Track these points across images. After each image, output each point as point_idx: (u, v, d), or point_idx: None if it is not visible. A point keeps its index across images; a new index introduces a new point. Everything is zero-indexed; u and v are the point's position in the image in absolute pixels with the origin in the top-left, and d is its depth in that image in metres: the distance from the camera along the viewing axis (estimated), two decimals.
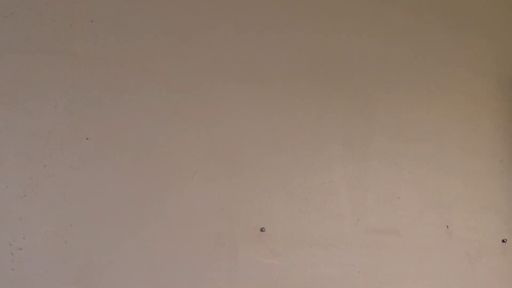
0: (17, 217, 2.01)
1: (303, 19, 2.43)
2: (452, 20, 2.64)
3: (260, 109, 2.32)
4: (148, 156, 2.18)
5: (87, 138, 2.13)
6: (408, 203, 2.45)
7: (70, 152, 2.10)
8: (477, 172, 2.55)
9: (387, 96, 2.48)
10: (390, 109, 2.47)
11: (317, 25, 2.45)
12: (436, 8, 2.62)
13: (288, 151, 2.33)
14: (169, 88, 2.23)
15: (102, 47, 2.18)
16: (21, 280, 2.00)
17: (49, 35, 2.12)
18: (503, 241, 2.54)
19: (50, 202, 2.05)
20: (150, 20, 2.25)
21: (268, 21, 2.39)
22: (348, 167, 2.39)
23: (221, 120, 2.27)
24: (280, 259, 2.27)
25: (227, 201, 2.24)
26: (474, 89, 2.60)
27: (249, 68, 2.33)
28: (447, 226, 2.49)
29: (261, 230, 2.26)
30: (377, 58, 2.50)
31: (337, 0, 2.49)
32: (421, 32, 2.58)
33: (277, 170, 2.30)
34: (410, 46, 2.55)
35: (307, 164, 2.34)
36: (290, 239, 2.29)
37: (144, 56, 2.22)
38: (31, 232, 2.03)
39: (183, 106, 2.24)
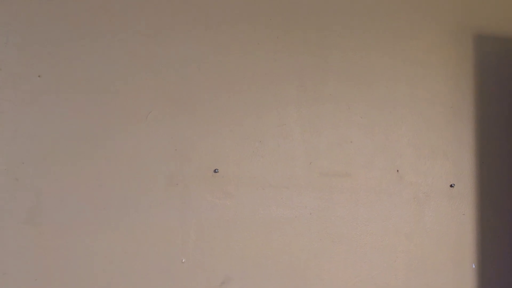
0: None
1: None
2: None
3: (214, 51, 2.31)
4: (102, 95, 2.17)
5: (39, 76, 2.11)
6: (360, 147, 2.48)
7: (22, 89, 2.09)
8: (427, 118, 2.59)
9: (341, 40, 2.49)
10: (344, 53, 2.48)
11: None
12: None
13: (243, 94, 2.33)
14: (124, 28, 2.21)
15: None
16: None
17: None
18: (451, 185, 2.60)
19: (1, 139, 2.04)
20: None
21: None
22: (302, 110, 2.41)
23: (176, 60, 2.26)
24: (232, 199, 2.30)
25: (181, 141, 2.24)
26: (428, 36, 2.62)
27: (205, 10, 2.32)
28: (398, 171, 2.53)
29: (215, 171, 2.27)
30: (331, 3, 2.50)
31: None
32: None
33: (231, 112, 2.31)
34: None
35: (261, 107, 2.35)
36: (243, 180, 2.31)
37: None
38: None
39: (138, 46, 2.22)
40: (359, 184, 2.47)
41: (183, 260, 2.22)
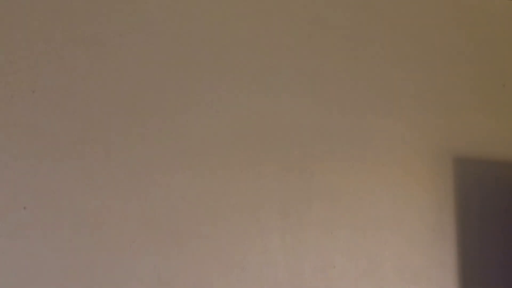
0: None
1: (238, 89, 2.50)
2: (387, 93, 2.73)
3: (196, 179, 2.35)
4: (86, 225, 2.18)
5: (24, 208, 2.14)
6: (343, 272, 2.49)
7: (7, 221, 2.10)
8: (410, 241, 2.61)
9: (322, 166, 2.54)
10: (325, 179, 2.53)
11: (252, 96, 2.52)
12: (371, 81, 2.72)
13: (227, 221, 2.36)
14: (108, 157, 2.26)
15: (42, 117, 2.21)
16: None
17: None
18: None
19: None
20: (91, 92, 2.28)
21: (202, 92, 2.45)
22: (285, 236, 2.43)
23: (160, 189, 2.30)
24: None
25: (164, 270, 2.25)
26: (408, 162, 2.68)
27: (187, 139, 2.37)
28: None
29: None
30: (313, 129, 2.56)
31: (274, 75, 2.57)
32: (356, 104, 2.66)
33: (214, 240, 2.33)
34: (345, 117, 2.63)
35: (244, 233, 2.38)
36: None
37: (82, 125, 2.25)
38: None
39: (122, 175, 2.26)
40: None
41: None
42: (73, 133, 2.23)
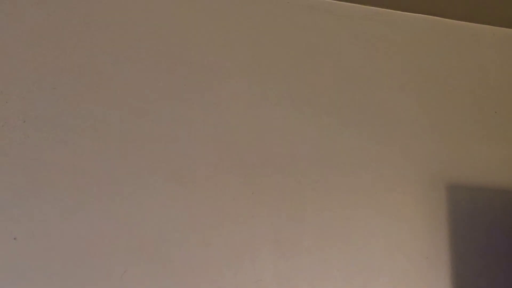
0: None
1: (231, 116, 2.51)
2: (380, 120, 2.74)
3: (189, 208, 2.34)
4: (76, 255, 2.17)
5: (15, 238, 2.12)
6: None
7: None
8: (404, 270, 2.59)
9: (315, 194, 2.53)
10: (319, 207, 2.52)
11: (245, 124, 2.52)
12: (364, 108, 2.72)
13: (218, 250, 2.34)
14: (97, 187, 2.25)
15: (32, 147, 2.20)
16: None
17: None
18: None
19: None
20: (82, 122, 2.29)
21: (197, 116, 2.46)
22: (278, 265, 2.41)
23: (149, 218, 2.29)
24: None
25: None
26: (401, 189, 2.67)
27: (177, 165, 2.37)
28: None
29: None
30: (305, 157, 2.56)
31: (266, 103, 2.58)
32: (349, 132, 2.66)
33: (207, 269, 2.31)
34: (338, 145, 2.63)
35: (237, 262, 2.36)
36: None
37: (72, 155, 2.25)
38: None
39: (112, 204, 2.25)
40: None
41: None
42: (63, 163, 2.23)
